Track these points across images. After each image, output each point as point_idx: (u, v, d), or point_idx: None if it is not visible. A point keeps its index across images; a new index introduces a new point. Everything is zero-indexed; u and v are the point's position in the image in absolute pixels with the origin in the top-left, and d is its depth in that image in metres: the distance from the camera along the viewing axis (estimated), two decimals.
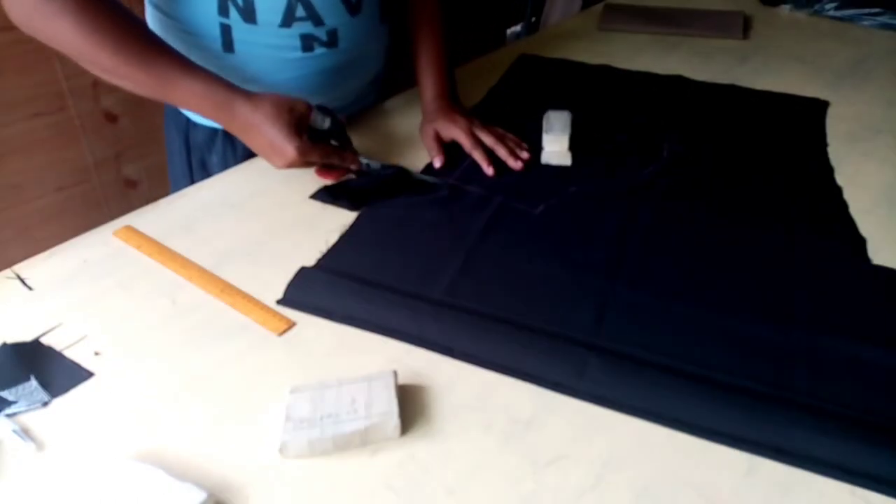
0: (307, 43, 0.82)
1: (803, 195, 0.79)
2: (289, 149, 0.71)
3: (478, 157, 0.82)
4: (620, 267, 0.68)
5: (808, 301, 0.63)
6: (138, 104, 1.33)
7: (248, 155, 0.84)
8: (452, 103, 0.89)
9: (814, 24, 1.31)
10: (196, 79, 0.71)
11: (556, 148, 0.85)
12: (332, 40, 0.83)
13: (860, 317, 0.62)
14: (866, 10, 1.30)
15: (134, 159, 1.41)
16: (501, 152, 0.83)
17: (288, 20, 0.79)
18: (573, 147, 0.85)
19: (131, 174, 1.42)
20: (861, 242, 0.71)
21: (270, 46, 0.81)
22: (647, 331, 0.60)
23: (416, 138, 0.89)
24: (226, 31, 0.78)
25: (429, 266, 0.67)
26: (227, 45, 0.80)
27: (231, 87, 0.72)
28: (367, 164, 0.80)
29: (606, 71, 1.12)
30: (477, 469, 0.49)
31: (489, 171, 0.81)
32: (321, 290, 0.64)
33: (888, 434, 0.51)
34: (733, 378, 0.55)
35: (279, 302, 0.64)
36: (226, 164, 0.88)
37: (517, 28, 2.49)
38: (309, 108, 0.75)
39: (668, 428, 0.52)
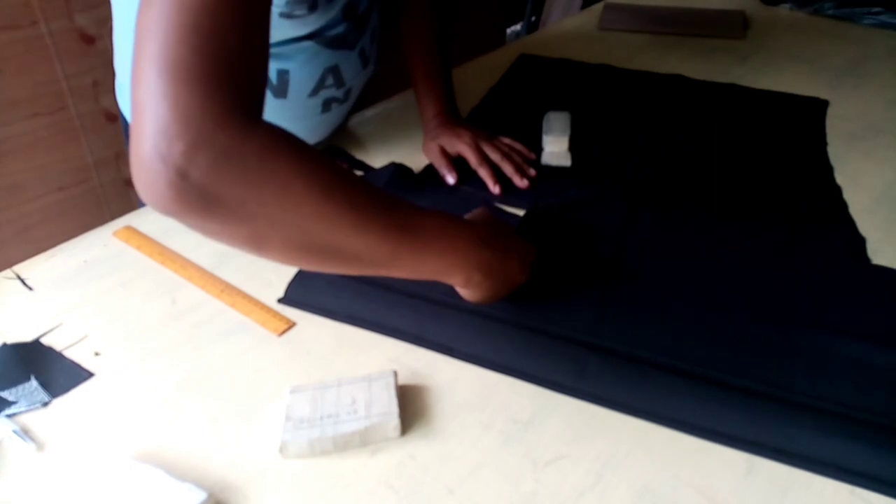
0: (327, 105, 0.82)
1: (803, 195, 0.79)
2: (530, 249, 0.62)
3: (484, 174, 0.80)
4: (620, 267, 0.68)
5: (807, 301, 0.63)
6: None
7: None
8: (453, 118, 0.88)
9: (814, 24, 1.31)
10: (441, 215, 0.54)
11: (555, 149, 0.85)
12: (346, 97, 0.84)
13: (860, 317, 0.61)
14: (866, 10, 1.30)
15: None
16: (508, 169, 0.81)
17: (317, 90, 0.78)
18: (573, 148, 0.85)
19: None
20: (861, 242, 0.71)
21: (294, 116, 0.80)
22: (646, 330, 0.60)
23: (415, 138, 0.89)
24: None
25: None
26: None
27: (462, 218, 0.58)
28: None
29: (606, 71, 1.12)
30: (477, 469, 0.49)
31: (495, 189, 0.78)
32: (322, 289, 0.64)
33: (888, 434, 0.51)
34: (733, 378, 0.55)
35: (280, 301, 0.64)
36: None
37: (517, 28, 2.50)
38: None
39: (668, 428, 0.52)
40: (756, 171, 0.84)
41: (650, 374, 0.56)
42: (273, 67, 0.74)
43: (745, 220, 0.75)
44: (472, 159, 0.81)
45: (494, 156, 0.82)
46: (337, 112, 0.85)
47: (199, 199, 0.42)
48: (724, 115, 0.98)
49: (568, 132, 0.85)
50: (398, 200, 0.50)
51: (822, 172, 0.84)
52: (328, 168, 0.46)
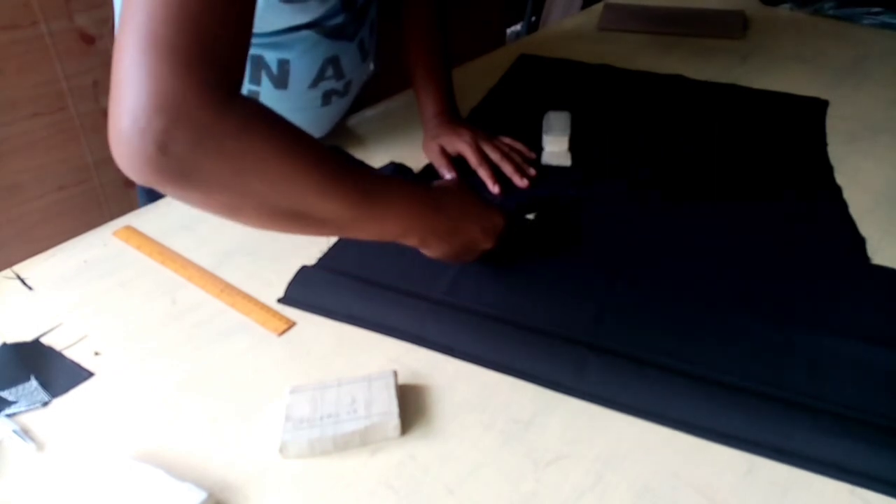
0: (327, 98, 0.82)
1: (803, 195, 0.79)
2: (498, 219, 0.64)
3: (483, 174, 0.80)
4: (620, 267, 0.68)
5: (807, 301, 0.63)
6: None
7: None
8: (453, 117, 0.88)
9: (814, 24, 1.31)
10: (400, 182, 0.58)
11: (555, 148, 0.85)
12: (346, 90, 0.84)
13: (860, 317, 0.61)
14: (866, 10, 1.30)
15: None
16: (507, 169, 0.81)
17: (317, 81, 0.79)
18: (573, 148, 0.85)
19: None
20: (861, 242, 0.71)
21: (295, 107, 0.80)
22: (646, 330, 0.60)
23: (415, 138, 0.89)
24: (253, 96, 0.77)
25: (429, 266, 0.67)
26: None
27: (427, 184, 0.62)
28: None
29: (606, 71, 1.12)
30: (477, 469, 0.49)
31: (495, 189, 0.79)
32: (322, 288, 0.64)
33: (888, 434, 0.51)
34: (733, 378, 0.55)
35: (280, 301, 0.64)
36: None
37: (517, 28, 2.50)
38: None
39: (668, 428, 0.52)
40: (756, 171, 0.84)
41: (650, 374, 0.56)
42: (273, 57, 0.74)
43: (745, 220, 0.75)
44: (472, 159, 0.81)
45: (494, 155, 0.82)
46: (337, 105, 0.85)
47: (178, 173, 0.43)
48: (724, 116, 0.98)
49: (568, 132, 0.85)
50: (361, 170, 0.54)
51: (822, 172, 0.84)
52: (299, 141, 0.48)
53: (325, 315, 0.62)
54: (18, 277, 0.66)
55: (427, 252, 0.61)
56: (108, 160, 1.48)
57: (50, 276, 0.67)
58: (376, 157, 0.86)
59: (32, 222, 1.31)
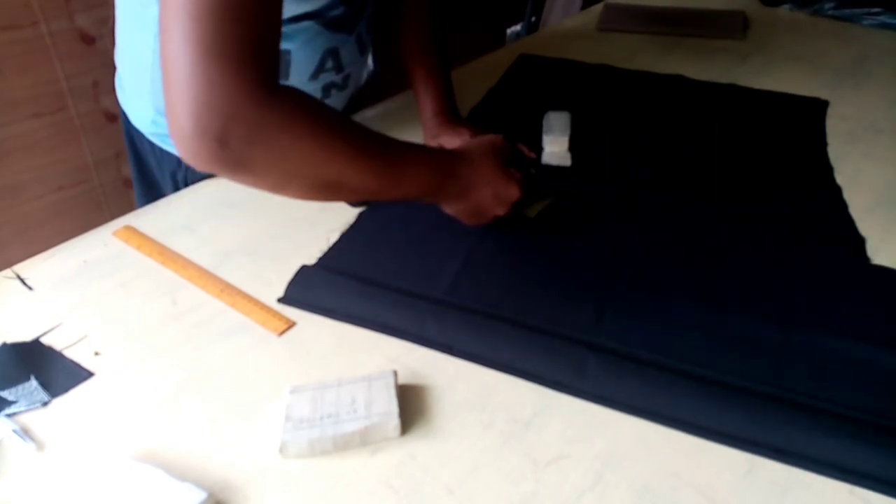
0: (327, 91, 0.83)
1: (803, 195, 0.79)
2: (513, 190, 0.68)
3: None
4: (620, 267, 0.68)
5: (807, 301, 0.63)
6: None
7: None
8: (453, 117, 0.88)
9: (814, 24, 1.31)
10: (419, 149, 0.64)
11: (555, 149, 0.85)
12: (345, 83, 0.85)
13: (860, 317, 0.61)
14: (866, 10, 1.30)
15: None
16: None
17: (317, 73, 0.80)
18: (573, 148, 0.85)
19: (131, 174, 1.42)
20: (861, 242, 0.71)
21: None
22: (646, 330, 0.60)
23: (415, 139, 0.88)
24: None
25: (430, 265, 0.67)
26: None
27: (444, 150, 0.68)
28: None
29: (606, 71, 1.12)
30: (477, 469, 0.49)
31: None
32: (322, 288, 0.64)
33: (888, 434, 0.51)
34: (733, 378, 0.55)
35: (280, 300, 0.64)
36: None
37: (517, 28, 2.49)
38: (504, 140, 0.72)
39: (668, 427, 0.52)
40: (756, 171, 0.84)
41: (650, 374, 0.56)
42: None
43: (745, 220, 0.75)
44: None
45: None
46: (336, 99, 0.86)
47: (236, 162, 0.50)
48: (724, 116, 0.98)
49: (568, 132, 0.85)
50: (386, 140, 0.59)
51: (822, 172, 0.84)
52: (333, 122, 0.55)
53: (325, 314, 0.62)
54: (18, 277, 0.66)
55: (445, 210, 0.68)
56: (108, 160, 1.49)
57: (50, 276, 0.67)
58: None
59: (32, 222, 1.31)
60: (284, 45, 0.75)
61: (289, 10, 0.71)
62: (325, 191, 0.57)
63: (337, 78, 0.82)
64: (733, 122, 0.96)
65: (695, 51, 1.20)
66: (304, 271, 0.67)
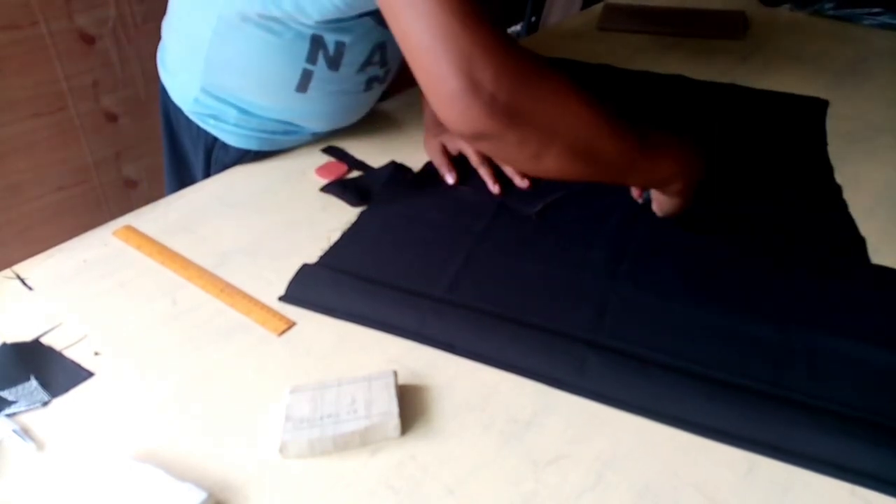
0: (369, 84, 0.84)
1: (803, 195, 0.79)
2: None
3: (484, 174, 0.80)
4: (620, 265, 0.68)
5: (807, 300, 0.63)
6: (138, 104, 1.33)
7: None
8: None
9: (814, 24, 1.31)
10: (663, 131, 0.63)
11: None
12: (385, 77, 0.86)
13: (860, 317, 0.61)
14: (866, 10, 1.30)
15: (134, 159, 1.40)
16: (508, 169, 0.81)
17: (364, 66, 0.81)
18: None
19: (131, 174, 1.42)
20: (861, 242, 0.71)
21: (341, 90, 0.82)
22: (647, 329, 0.60)
23: (415, 139, 0.89)
24: (307, 75, 0.79)
25: (431, 264, 0.67)
26: (303, 87, 0.80)
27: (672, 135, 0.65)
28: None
29: (606, 71, 1.12)
30: (477, 469, 0.49)
31: (495, 189, 0.79)
32: (323, 286, 0.64)
33: (888, 434, 0.51)
34: (733, 377, 0.55)
35: (281, 298, 0.64)
36: None
37: (517, 28, 2.50)
38: None
39: (669, 426, 0.52)
40: (756, 171, 0.84)
41: (651, 372, 0.56)
42: (332, 38, 0.76)
43: (745, 220, 0.75)
44: (473, 158, 0.82)
45: None
46: (375, 93, 0.88)
47: (507, 116, 0.52)
48: (724, 116, 0.98)
49: None
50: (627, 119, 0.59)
51: (822, 172, 0.84)
52: (575, 84, 0.56)
53: (325, 313, 0.62)
54: (18, 277, 0.66)
55: (675, 201, 0.67)
56: (108, 160, 1.49)
57: (50, 276, 0.67)
58: (376, 157, 0.86)
59: (32, 222, 1.31)
60: (341, 38, 0.76)
61: (357, 7, 0.72)
62: (581, 160, 0.56)
63: (380, 72, 0.84)
64: (733, 121, 0.96)
65: (695, 51, 1.20)
66: (305, 269, 0.67)
